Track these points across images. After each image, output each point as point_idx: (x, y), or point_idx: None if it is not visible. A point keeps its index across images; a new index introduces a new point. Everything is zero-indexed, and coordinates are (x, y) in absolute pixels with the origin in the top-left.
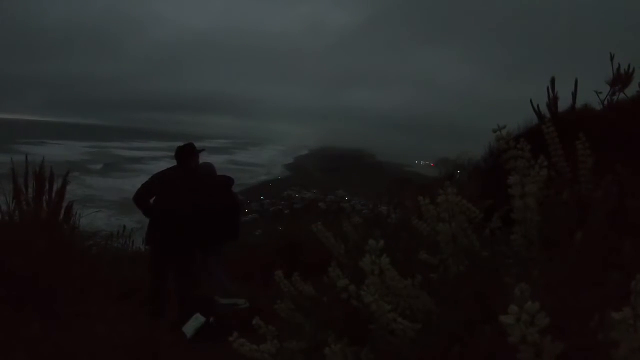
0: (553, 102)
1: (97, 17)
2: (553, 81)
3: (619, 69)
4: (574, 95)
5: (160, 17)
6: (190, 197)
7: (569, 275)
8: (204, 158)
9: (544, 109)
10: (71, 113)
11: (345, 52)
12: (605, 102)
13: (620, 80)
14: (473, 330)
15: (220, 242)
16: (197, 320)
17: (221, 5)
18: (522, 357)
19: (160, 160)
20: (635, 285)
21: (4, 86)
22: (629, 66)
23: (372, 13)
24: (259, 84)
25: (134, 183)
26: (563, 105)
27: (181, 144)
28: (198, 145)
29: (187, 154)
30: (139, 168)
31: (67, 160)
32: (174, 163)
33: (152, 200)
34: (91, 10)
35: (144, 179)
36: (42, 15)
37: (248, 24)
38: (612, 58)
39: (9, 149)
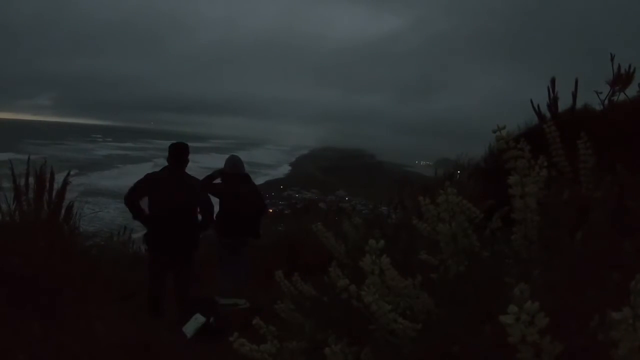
0: (553, 102)
1: (100, 19)
2: (553, 81)
3: (619, 69)
4: (574, 95)
5: (193, 21)
6: (185, 196)
7: (569, 275)
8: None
9: (544, 109)
10: (73, 114)
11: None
12: (605, 102)
13: (620, 80)
14: (473, 330)
15: (245, 242)
16: (197, 320)
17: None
18: (522, 357)
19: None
20: (635, 285)
21: (5, 87)
22: (629, 66)
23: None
24: (268, 86)
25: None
26: (563, 105)
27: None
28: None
29: (181, 152)
30: (145, 168)
31: (73, 160)
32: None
33: (146, 201)
34: (94, 12)
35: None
36: (54, 14)
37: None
38: (612, 58)
39: (17, 149)
